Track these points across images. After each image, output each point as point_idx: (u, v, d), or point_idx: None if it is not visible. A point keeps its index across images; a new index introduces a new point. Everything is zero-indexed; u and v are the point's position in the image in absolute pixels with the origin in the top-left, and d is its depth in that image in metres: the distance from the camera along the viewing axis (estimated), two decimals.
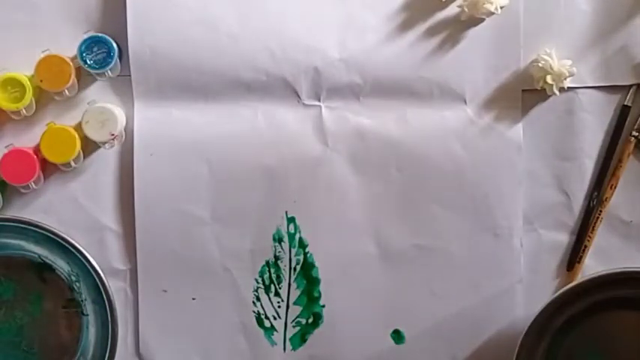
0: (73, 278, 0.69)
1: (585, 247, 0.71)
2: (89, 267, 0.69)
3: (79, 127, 0.69)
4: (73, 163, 0.69)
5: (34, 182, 0.68)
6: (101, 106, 0.69)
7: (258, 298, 0.71)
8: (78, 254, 0.69)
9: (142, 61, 0.69)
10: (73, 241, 0.69)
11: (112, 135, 0.68)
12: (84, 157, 0.70)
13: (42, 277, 0.70)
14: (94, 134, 0.68)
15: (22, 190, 0.69)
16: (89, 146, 0.70)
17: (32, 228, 0.69)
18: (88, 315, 0.70)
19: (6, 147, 0.68)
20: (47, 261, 0.69)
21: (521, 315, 0.71)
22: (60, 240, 0.69)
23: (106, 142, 0.69)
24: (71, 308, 0.70)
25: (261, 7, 0.69)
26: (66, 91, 0.68)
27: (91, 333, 0.70)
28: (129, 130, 0.70)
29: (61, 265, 0.69)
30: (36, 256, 0.69)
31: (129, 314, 0.71)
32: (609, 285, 0.68)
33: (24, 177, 0.68)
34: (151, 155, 0.70)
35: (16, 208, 0.70)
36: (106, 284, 0.69)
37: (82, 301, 0.70)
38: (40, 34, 0.70)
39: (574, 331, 0.69)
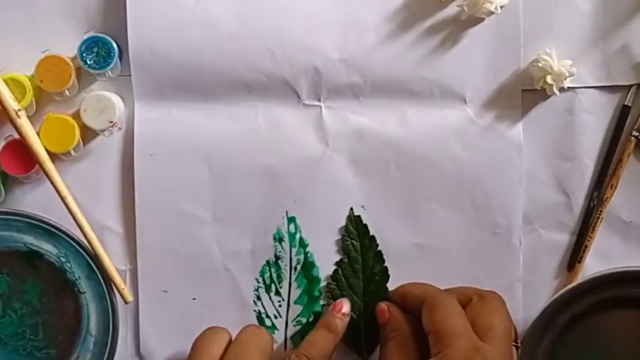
0: (63, 259, 0.69)
1: (585, 247, 0.71)
2: (76, 245, 0.69)
3: (77, 116, 0.69)
4: (73, 152, 0.69)
5: (34, 173, 0.69)
6: (98, 93, 0.69)
7: (258, 298, 0.71)
8: (62, 235, 0.69)
9: (142, 61, 0.69)
10: (54, 223, 0.69)
11: (111, 122, 0.68)
12: (83, 147, 0.70)
13: (32, 265, 0.70)
14: (92, 122, 0.68)
15: (24, 181, 0.70)
16: (88, 135, 0.70)
17: (12, 217, 0.69)
18: (85, 292, 0.70)
19: (5, 138, 0.69)
20: (33, 247, 0.69)
21: (521, 314, 0.71)
22: (42, 224, 0.69)
23: (105, 130, 0.69)
24: (67, 289, 0.70)
25: (261, 7, 0.69)
26: (66, 91, 0.68)
27: (92, 309, 0.70)
28: (129, 123, 0.70)
29: (48, 248, 0.69)
30: (22, 244, 0.69)
31: (129, 314, 0.71)
32: (611, 284, 0.68)
33: (24, 167, 0.68)
34: (151, 155, 0.70)
35: (16, 206, 0.70)
36: (96, 259, 0.69)
37: (76, 280, 0.70)
38: (40, 34, 0.70)
39: (576, 330, 0.69)
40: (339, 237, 0.71)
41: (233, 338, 0.66)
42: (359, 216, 0.71)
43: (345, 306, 0.69)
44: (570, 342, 0.69)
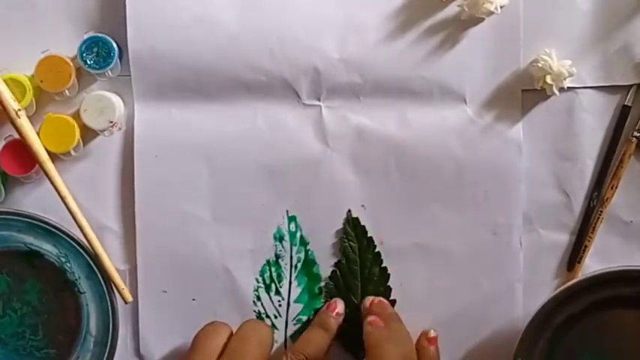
0: (63, 259, 0.69)
1: (585, 247, 0.71)
2: (76, 245, 0.69)
3: (77, 116, 0.69)
4: (73, 152, 0.69)
5: (34, 173, 0.69)
6: (98, 93, 0.69)
7: (258, 298, 0.71)
8: (62, 235, 0.69)
9: (141, 61, 0.69)
10: (54, 223, 0.69)
11: (111, 122, 0.69)
12: (83, 147, 0.70)
13: (32, 265, 0.70)
14: (92, 122, 0.69)
15: (24, 181, 0.70)
16: (88, 135, 0.71)
17: (12, 217, 0.69)
18: (84, 292, 0.70)
19: (5, 138, 0.69)
20: (33, 247, 0.69)
21: (521, 314, 0.71)
22: (42, 224, 0.69)
23: (105, 130, 0.69)
24: (67, 289, 0.70)
25: (261, 7, 0.69)
26: (66, 91, 0.68)
27: (92, 309, 0.70)
28: (129, 123, 0.70)
29: (48, 248, 0.69)
30: (22, 244, 0.69)
31: (129, 314, 0.71)
32: (609, 283, 0.68)
33: (24, 167, 0.68)
34: (151, 155, 0.70)
35: (16, 206, 0.70)
36: (96, 259, 0.69)
37: (76, 280, 0.70)
38: (40, 34, 0.70)
39: (573, 329, 0.69)
40: (338, 236, 0.71)
41: (234, 332, 0.67)
42: (357, 218, 0.71)
43: (339, 306, 0.70)
44: (567, 342, 0.69)
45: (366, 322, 0.68)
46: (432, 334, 0.70)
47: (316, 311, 0.72)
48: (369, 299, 0.70)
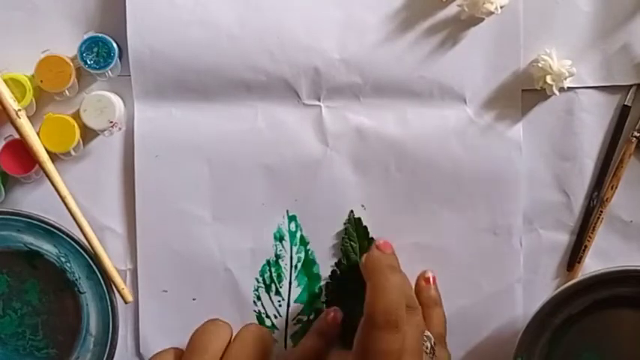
0: (63, 259, 0.69)
1: (585, 247, 0.71)
2: (76, 245, 0.69)
3: (77, 116, 0.69)
4: (73, 152, 0.69)
5: (34, 173, 0.69)
6: (98, 93, 0.69)
7: (258, 298, 0.71)
8: (62, 235, 0.69)
9: (141, 61, 0.69)
10: (54, 223, 0.69)
11: (111, 122, 0.69)
12: (83, 147, 0.70)
13: (32, 265, 0.71)
14: (92, 122, 0.69)
15: (24, 181, 0.70)
16: (88, 135, 0.71)
17: (12, 217, 0.69)
18: (85, 292, 0.70)
19: (5, 138, 0.69)
20: (33, 247, 0.69)
21: (521, 314, 0.71)
22: (42, 224, 0.69)
23: (105, 130, 0.69)
24: (67, 289, 0.70)
25: (261, 7, 0.69)
26: (66, 91, 0.68)
27: (92, 309, 0.70)
28: (129, 123, 0.70)
29: (48, 248, 0.69)
30: (22, 244, 0.69)
31: (129, 314, 0.71)
32: (608, 283, 0.68)
33: (24, 167, 0.68)
34: (151, 155, 0.70)
35: (16, 206, 0.70)
36: (96, 259, 0.69)
37: (76, 280, 0.70)
38: (40, 34, 0.70)
39: (573, 329, 0.69)
40: (339, 236, 0.71)
41: (234, 334, 0.67)
42: (359, 218, 0.71)
43: (338, 315, 0.69)
44: (567, 342, 0.69)
45: (375, 245, 0.67)
46: (429, 274, 0.70)
47: (316, 311, 0.72)
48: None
